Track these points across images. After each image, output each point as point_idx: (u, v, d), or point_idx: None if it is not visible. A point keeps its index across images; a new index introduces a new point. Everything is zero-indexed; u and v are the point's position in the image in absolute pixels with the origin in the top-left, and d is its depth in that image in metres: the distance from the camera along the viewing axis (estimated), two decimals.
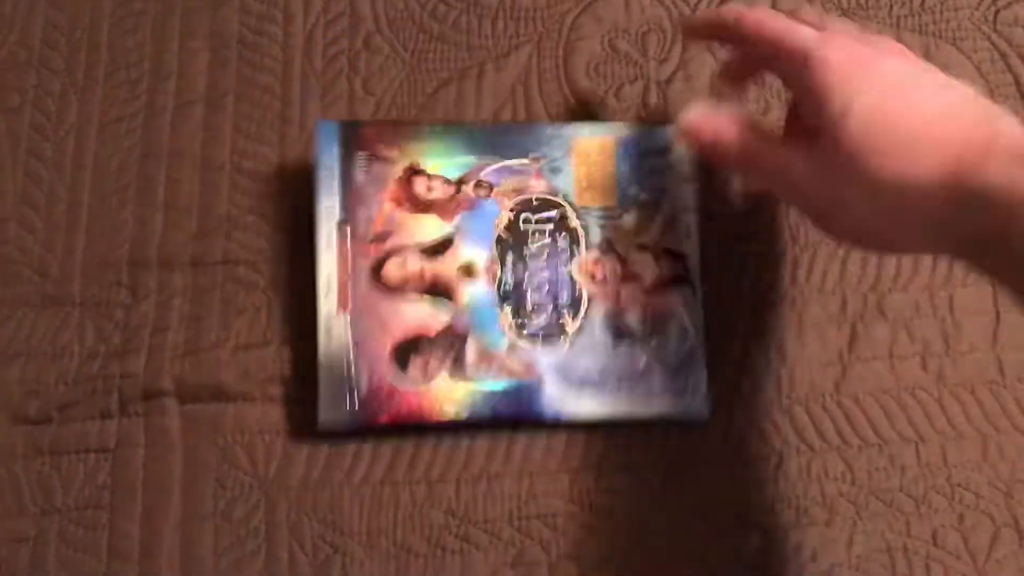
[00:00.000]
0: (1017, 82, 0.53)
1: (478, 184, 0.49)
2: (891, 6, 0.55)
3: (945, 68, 0.52)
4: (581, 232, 0.49)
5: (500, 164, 0.49)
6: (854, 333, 0.50)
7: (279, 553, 0.47)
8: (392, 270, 0.47)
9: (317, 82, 0.54)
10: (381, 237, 0.48)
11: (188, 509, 0.47)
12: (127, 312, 0.50)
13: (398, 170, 0.49)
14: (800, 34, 0.39)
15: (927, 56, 0.54)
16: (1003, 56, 0.54)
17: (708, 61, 0.54)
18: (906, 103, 0.36)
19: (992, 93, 0.53)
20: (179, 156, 0.53)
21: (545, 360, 0.47)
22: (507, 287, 0.48)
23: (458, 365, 0.47)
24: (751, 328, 0.50)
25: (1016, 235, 0.32)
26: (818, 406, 0.49)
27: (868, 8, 0.55)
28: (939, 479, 0.48)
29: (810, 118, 0.38)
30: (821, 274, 0.50)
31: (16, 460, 0.48)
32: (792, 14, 0.42)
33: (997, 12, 0.55)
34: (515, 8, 0.56)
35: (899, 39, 0.53)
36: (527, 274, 0.48)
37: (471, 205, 0.49)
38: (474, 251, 0.48)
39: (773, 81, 0.53)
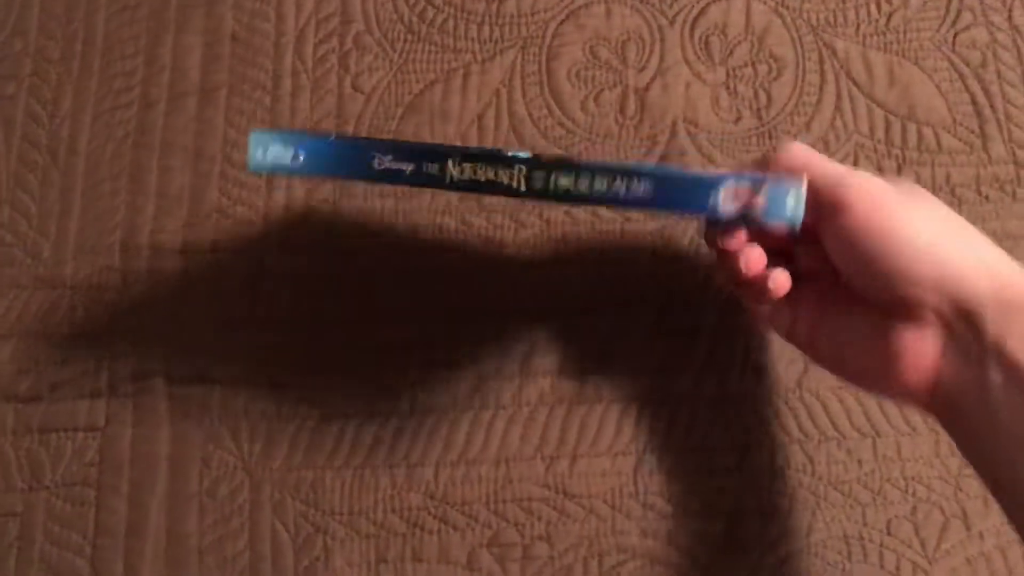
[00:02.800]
0: (974, 100, 0.56)
1: None
2: (858, 25, 0.58)
3: (907, 85, 0.56)
4: None
5: None
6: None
7: (262, 531, 0.48)
8: None
9: (307, 79, 0.56)
10: None
11: (174, 487, 0.49)
12: (118, 295, 0.52)
13: None
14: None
15: (890, 75, 0.56)
16: (961, 76, 0.57)
17: (683, 72, 0.57)
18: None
19: (951, 110, 0.56)
20: (171, 146, 0.55)
21: None
22: None
23: None
24: (719, 326, 0.52)
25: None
26: (781, 402, 0.51)
27: (836, 26, 0.58)
28: (894, 472, 0.50)
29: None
30: None
31: (6, 437, 0.50)
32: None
33: (956, 35, 0.58)
34: (500, 14, 0.58)
35: (865, 57, 0.57)
36: None
37: None
38: None
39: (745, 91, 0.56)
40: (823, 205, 0.38)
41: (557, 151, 0.55)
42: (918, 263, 0.36)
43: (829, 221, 0.38)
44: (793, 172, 0.39)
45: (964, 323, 0.35)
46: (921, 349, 0.37)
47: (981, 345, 0.35)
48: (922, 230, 0.36)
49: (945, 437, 0.49)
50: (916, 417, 0.51)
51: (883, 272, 0.36)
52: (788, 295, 0.41)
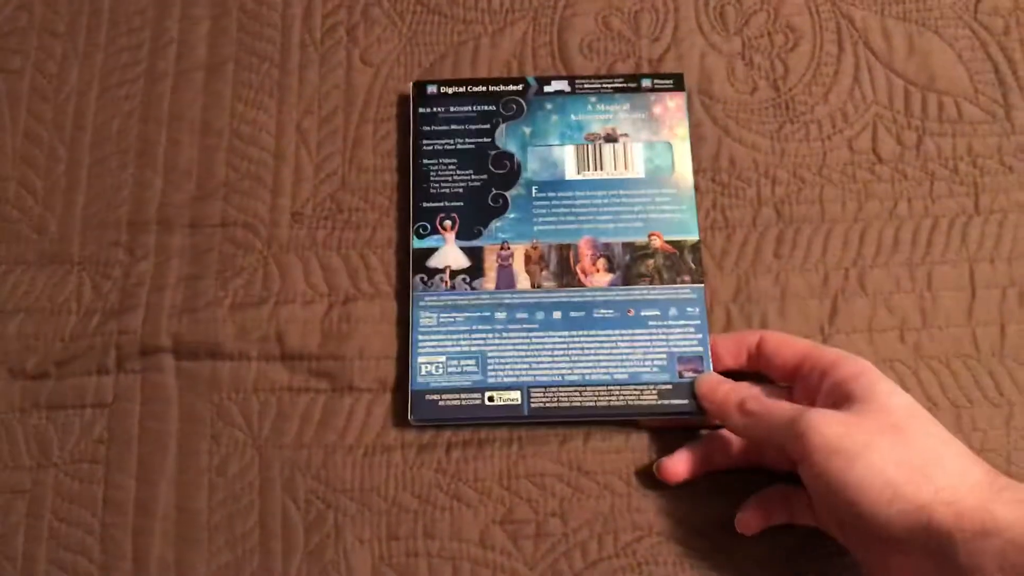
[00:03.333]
0: (996, 69, 0.55)
1: None
2: None
3: (927, 55, 0.55)
4: None
5: None
6: (835, 307, 0.51)
7: (272, 508, 0.47)
8: None
9: (316, 51, 0.55)
10: None
11: (183, 464, 0.48)
12: (125, 271, 0.51)
13: None
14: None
15: (910, 44, 0.55)
16: (983, 44, 0.56)
17: (698, 43, 0.56)
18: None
19: (972, 79, 0.55)
20: (179, 120, 0.54)
21: None
22: None
23: None
24: (735, 301, 0.51)
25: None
26: None
27: None
28: None
29: (835, 397, 0.42)
30: (804, 249, 0.52)
31: (13, 414, 0.49)
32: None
33: (977, 2, 0.56)
34: None
35: (883, 26, 0.56)
36: None
37: None
38: None
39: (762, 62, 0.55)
40: (787, 451, 0.41)
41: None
42: (879, 505, 0.37)
43: (797, 467, 0.41)
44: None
45: (940, 552, 0.35)
46: (909, 569, 0.37)
47: (960, 571, 0.35)
48: (880, 469, 0.37)
49: (967, 412, 0.49)
50: (937, 392, 0.50)
51: (851, 515, 0.38)
52: (786, 500, 0.45)
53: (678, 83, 0.54)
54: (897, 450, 0.38)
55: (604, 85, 0.54)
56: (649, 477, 0.48)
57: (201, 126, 0.54)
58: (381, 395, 0.49)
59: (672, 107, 0.53)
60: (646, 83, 0.54)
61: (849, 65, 0.55)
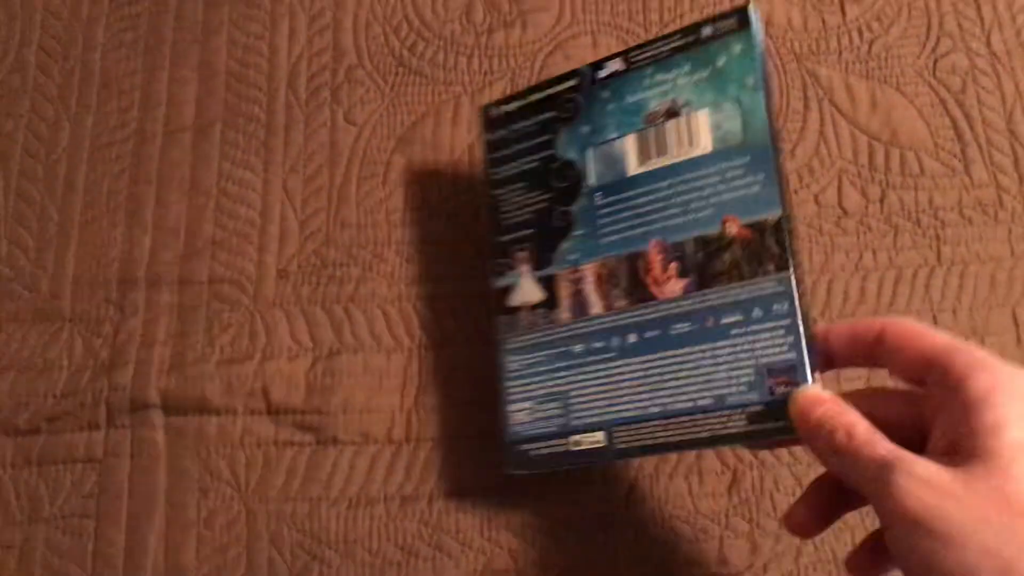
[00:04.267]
0: (955, 125, 0.57)
1: None
2: (840, 51, 0.59)
3: (889, 110, 0.57)
4: None
5: None
6: None
7: (259, 560, 0.49)
8: None
9: (301, 111, 0.57)
10: None
11: (172, 518, 0.49)
12: (115, 327, 0.53)
13: None
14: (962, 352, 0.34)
15: (872, 101, 0.57)
16: (942, 101, 0.58)
17: None
18: None
19: (932, 134, 0.57)
20: (167, 180, 0.56)
21: None
22: None
23: None
24: None
25: None
26: None
27: (819, 54, 0.59)
28: None
29: (954, 435, 0.33)
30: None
31: (5, 470, 0.50)
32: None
33: (936, 60, 0.59)
34: (489, 46, 0.59)
35: (847, 83, 0.58)
36: None
37: None
38: None
39: None
40: (862, 486, 0.34)
41: None
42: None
43: (872, 500, 0.33)
44: None
45: None
46: None
47: None
48: (985, 552, 0.29)
49: None
50: None
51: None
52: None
53: (743, 20, 0.44)
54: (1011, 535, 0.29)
55: (661, 49, 0.45)
56: (626, 525, 0.49)
57: (189, 185, 0.56)
58: (364, 447, 0.51)
59: (738, 52, 0.44)
60: (707, 31, 0.44)
61: (815, 121, 0.57)
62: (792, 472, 0.51)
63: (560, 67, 0.58)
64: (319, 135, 0.57)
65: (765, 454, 0.51)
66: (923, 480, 0.31)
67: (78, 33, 0.59)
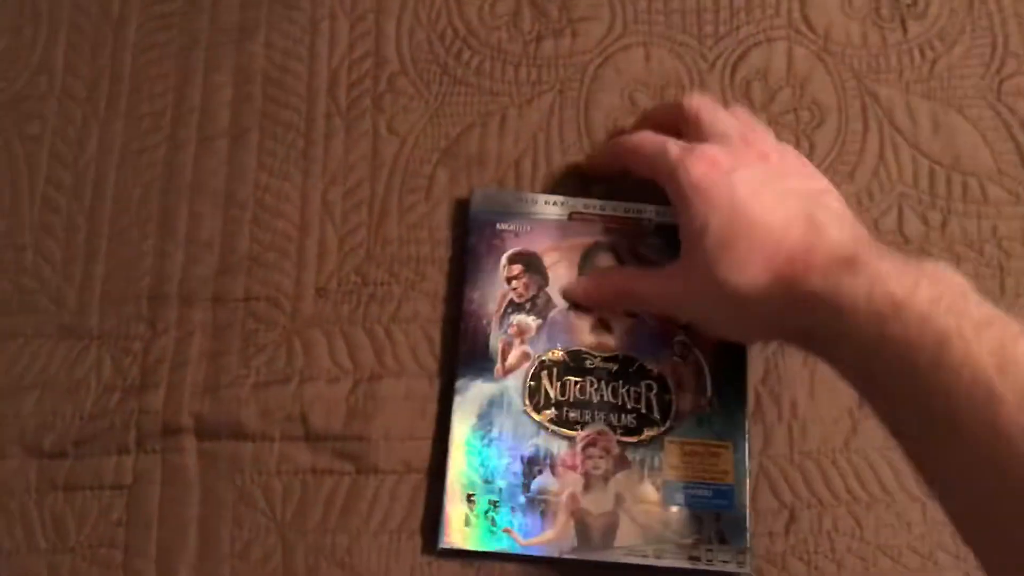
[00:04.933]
0: (1019, 150, 0.55)
1: None
2: (901, 71, 0.57)
3: (952, 134, 0.55)
4: None
5: None
6: None
7: None
8: None
9: (341, 120, 0.55)
10: None
11: (204, 549, 0.47)
12: (146, 346, 0.50)
13: None
14: (668, 154, 0.44)
15: (934, 123, 0.55)
16: (1006, 125, 0.56)
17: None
18: (748, 219, 0.41)
19: (996, 160, 0.55)
20: (201, 190, 0.53)
21: None
22: None
23: None
24: (763, 383, 0.51)
25: (836, 330, 0.37)
26: (828, 462, 0.50)
27: (879, 72, 0.57)
28: (945, 538, 0.49)
29: (682, 234, 0.45)
30: None
31: (29, 495, 0.48)
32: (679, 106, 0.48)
33: (1001, 82, 0.57)
34: (538, 56, 0.56)
35: (908, 104, 0.55)
36: None
37: None
38: None
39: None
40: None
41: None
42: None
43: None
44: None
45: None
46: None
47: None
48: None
49: None
50: None
51: (724, 289, 0.42)
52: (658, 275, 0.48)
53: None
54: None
55: None
56: None
57: (224, 197, 0.53)
58: (407, 477, 0.48)
59: None
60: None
61: (874, 143, 0.55)
62: (850, 511, 0.49)
63: (611, 80, 0.56)
64: (360, 145, 0.54)
65: (823, 492, 0.49)
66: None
67: (108, 33, 0.56)
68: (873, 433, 0.50)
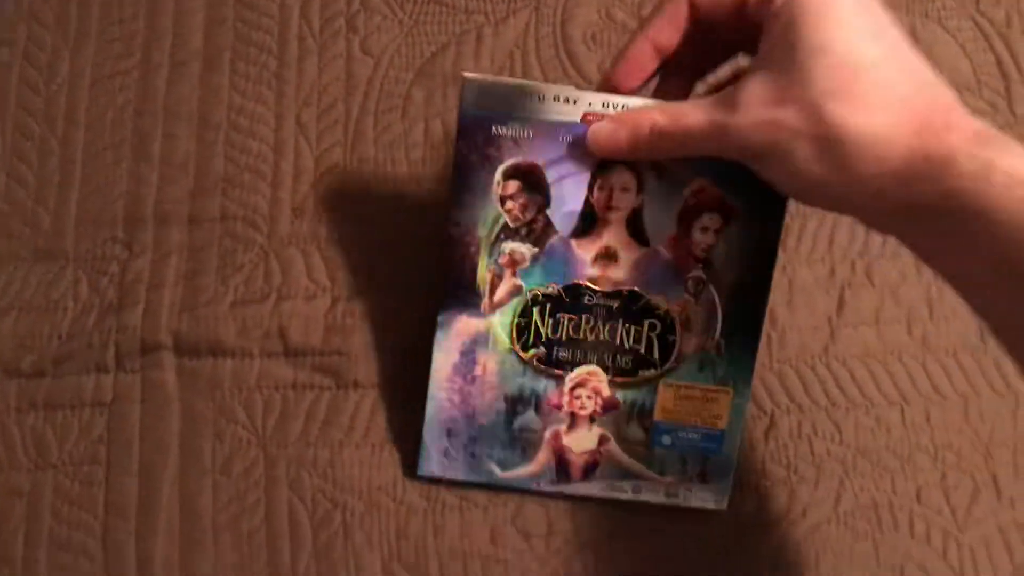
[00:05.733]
0: (999, 61, 0.55)
1: None
2: None
3: (931, 46, 0.54)
4: None
5: None
6: (842, 299, 0.51)
7: (279, 508, 0.47)
8: None
9: (314, 42, 0.54)
10: None
11: (187, 464, 0.47)
12: (123, 267, 0.50)
13: None
14: None
15: (913, 36, 0.55)
16: (986, 36, 0.55)
17: None
18: (882, 51, 0.33)
19: (975, 71, 0.55)
20: (175, 113, 0.53)
21: None
22: None
23: None
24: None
25: (975, 207, 0.31)
26: (808, 368, 0.50)
27: None
28: (923, 439, 0.49)
29: (774, 58, 0.35)
30: (811, 241, 0.52)
31: (9, 414, 0.48)
32: None
33: None
34: None
35: None
36: None
37: None
38: None
39: None
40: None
41: None
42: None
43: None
44: None
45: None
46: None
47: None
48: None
49: (975, 403, 0.49)
50: (945, 383, 0.50)
51: (840, 125, 0.33)
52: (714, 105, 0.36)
53: None
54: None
55: None
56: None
57: (198, 119, 0.53)
58: (386, 393, 0.48)
59: None
60: None
61: None
62: (829, 416, 0.49)
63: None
64: (334, 66, 0.54)
65: (802, 398, 0.49)
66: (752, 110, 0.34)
67: None
68: (851, 341, 0.50)
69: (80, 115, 0.53)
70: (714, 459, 0.46)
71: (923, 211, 0.32)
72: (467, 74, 0.40)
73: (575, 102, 0.41)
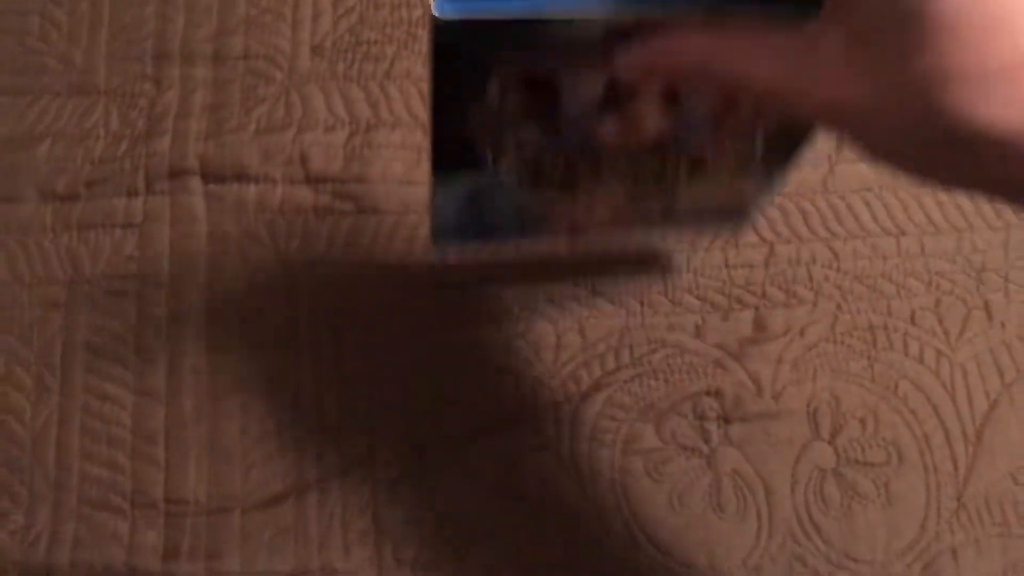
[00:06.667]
0: None
1: None
2: None
3: None
4: None
5: None
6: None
7: (301, 319, 0.49)
8: None
9: None
10: None
11: (213, 279, 0.50)
12: (151, 101, 0.52)
13: None
14: None
15: None
16: None
17: None
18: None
19: None
20: None
21: None
22: None
23: None
24: None
25: None
26: (807, 201, 0.52)
27: None
28: (917, 267, 0.51)
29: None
30: None
31: (45, 233, 0.50)
32: None
33: None
34: None
35: None
36: None
37: None
38: None
39: None
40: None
41: None
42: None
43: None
44: None
45: None
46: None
47: None
48: None
49: (967, 235, 0.51)
50: (939, 216, 0.52)
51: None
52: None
53: None
54: None
55: None
56: (661, 296, 0.50)
57: None
58: (405, 218, 0.51)
59: None
60: None
61: None
62: (828, 245, 0.51)
63: None
64: None
65: (802, 229, 0.51)
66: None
67: None
68: (849, 175, 0.52)
69: None
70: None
71: None
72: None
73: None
